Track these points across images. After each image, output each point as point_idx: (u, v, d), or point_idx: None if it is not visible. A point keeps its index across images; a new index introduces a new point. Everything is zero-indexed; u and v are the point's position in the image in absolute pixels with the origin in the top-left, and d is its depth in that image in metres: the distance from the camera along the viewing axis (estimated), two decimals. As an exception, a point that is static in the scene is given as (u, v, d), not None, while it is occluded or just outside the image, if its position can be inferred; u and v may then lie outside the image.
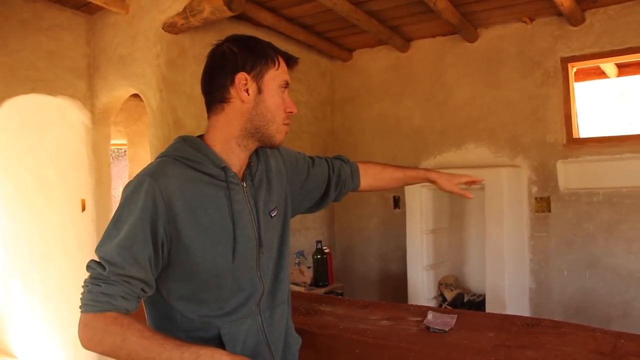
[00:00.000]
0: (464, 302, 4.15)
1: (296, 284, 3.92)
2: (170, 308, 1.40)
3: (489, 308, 3.83)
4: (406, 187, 4.13)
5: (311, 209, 1.83)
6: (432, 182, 2.00)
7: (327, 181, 1.79)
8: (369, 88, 4.84)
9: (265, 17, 3.87)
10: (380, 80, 4.78)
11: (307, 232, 4.62)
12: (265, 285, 1.49)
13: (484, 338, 1.91)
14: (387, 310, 2.27)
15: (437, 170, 2.04)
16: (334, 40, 4.66)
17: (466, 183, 2.05)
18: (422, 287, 4.15)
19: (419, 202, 4.12)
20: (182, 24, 3.45)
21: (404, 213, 4.30)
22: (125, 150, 6.50)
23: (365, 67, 4.86)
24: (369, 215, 4.83)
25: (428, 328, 2.01)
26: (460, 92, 4.37)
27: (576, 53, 3.94)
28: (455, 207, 4.43)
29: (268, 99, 1.43)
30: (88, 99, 4.01)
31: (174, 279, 1.37)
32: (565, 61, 3.97)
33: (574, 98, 4.01)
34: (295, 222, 4.44)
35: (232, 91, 1.41)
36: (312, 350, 2.02)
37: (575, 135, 3.96)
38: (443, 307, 4.16)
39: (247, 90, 1.40)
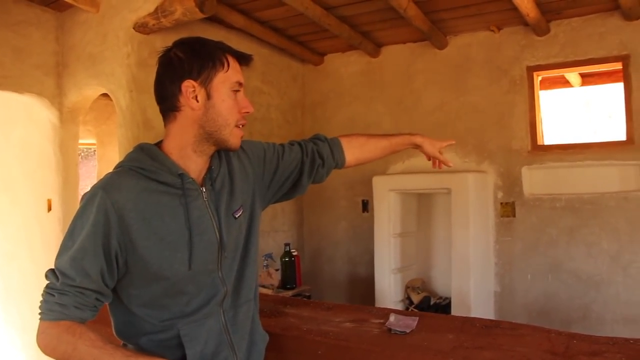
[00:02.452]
0: (430, 305, 4.21)
1: (264, 287, 3.93)
2: (132, 314, 1.40)
3: (455, 311, 3.89)
4: (375, 191, 4.18)
5: (287, 196, 1.79)
6: (417, 145, 1.99)
7: (300, 167, 1.74)
8: (340, 92, 4.88)
9: (237, 19, 3.88)
10: (351, 84, 4.82)
11: (276, 235, 4.63)
12: (228, 285, 1.49)
13: (444, 340, 1.95)
14: (350, 313, 2.30)
15: (421, 134, 2.02)
16: (306, 44, 4.69)
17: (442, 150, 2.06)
18: (389, 290, 4.19)
19: (387, 206, 4.16)
20: (154, 25, 3.44)
21: (372, 217, 4.34)
22: (95, 150, 6.44)
23: (337, 72, 4.90)
24: (338, 218, 4.86)
25: (390, 330, 2.04)
26: (429, 97, 4.44)
27: (541, 62, 4.03)
28: (423, 211, 4.49)
29: (218, 104, 1.40)
30: (56, 97, 3.96)
31: (133, 287, 1.37)
32: (531, 70, 4.07)
33: (539, 106, 4.10)
34: (265, 224, 4.49)
35: (181, 99, 1.39)
36: (275, 352, 2.04)
37: (539, 142, 4.05)
38: (410, 310, 4.21)
39: (195, 98, 1.38)
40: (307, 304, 2.50)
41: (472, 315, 3.83)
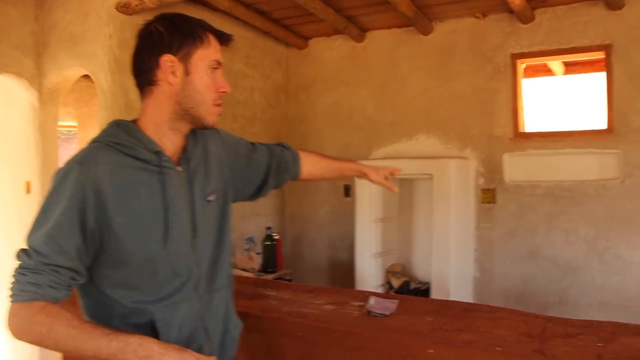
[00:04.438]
0: (410, 289, 4.24)
1: (245, 270, 3.94)
2: (104, 295, 1.36)
3: (434, 296, 3.92)
4: (357, 176, 4.19)
5: (252, 196, 1.80)
6: (364, 175, 2.05)
7: (268, 168, 1.77)
8: (324, 77, 4.87)
9: (222, 1, 3.84)
10: (335, 69, 4.81)
11: (257, 219, 4.63)
12: (202, 270, 1.48)
13: (423, 322, 1.97)
14: (331, 295, 2.32)
15: (368, 165, 2.09)
16: (291, 28, 4.67)
17: (391, 173, 2.11)
18: (369, 274, 4.21)
19: (369, 191, 4.17)
20: (136, 5, 3.40)
21: (353, 201, 4.36)
22: (75, 133, 6.36)
23: (321, 56, 4.89)
24: (320, 203, 4.87)
25: (369, 312, 2.06)
26: (413, 83, 4.44)
27: (525, 50, 4.06)
28: (404, 197, 4.51)
29: (196, 80, 1.39)
30: (36, 78, 3.90)
31: (107, 266, 1.34)
32: (515, 57, 4.09)
33: (521, 94, 4.13)
34: (246, 208, 4.49)
35: (159, 74, 1.37)
36: (255, 334, 2.05)
37: (521, 130, 4.09)
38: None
39: (174, 73, 1.36)
40: (288, 287, 2.51)
41: (452, 299, 3.87)
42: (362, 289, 4.18)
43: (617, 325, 1.93)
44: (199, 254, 1.47)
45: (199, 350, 1.41)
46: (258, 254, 4.13)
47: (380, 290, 4.29)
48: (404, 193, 4.50)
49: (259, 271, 4.05)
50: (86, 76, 3.92)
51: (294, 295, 2.33)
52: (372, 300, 2.17)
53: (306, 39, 4.93)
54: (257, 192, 1.80)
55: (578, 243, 3.90)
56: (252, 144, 1.80)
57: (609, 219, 3.81)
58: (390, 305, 2.15)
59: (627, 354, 1.64)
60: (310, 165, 1.93)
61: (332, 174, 2.06)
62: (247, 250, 4.17)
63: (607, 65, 3.83)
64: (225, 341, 1.59)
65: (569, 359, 1.61)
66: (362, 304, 2.17)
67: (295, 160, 1.87)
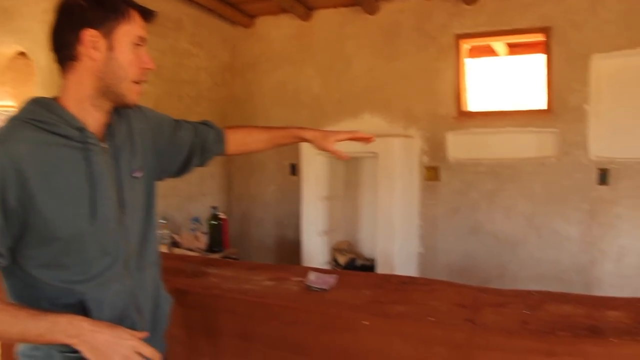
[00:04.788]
0: (356, 266, 4.31)
1: (191, 250, 3.92)
2: (31, 276, 1.33)
3: (380, 271, 3.99)
4: (302, 155, 4.21)
5: (176, 173, 1.77)
6: (307, 140, 1.96)
7: (192, 145, 1.74)
8: (270, 56, 4.84)
9: (164, -23, 3.77)
10: (282, 48, 4.79)
11: (203, 198, 4.60)
12: (131, 246, 1.46)
13: (361, 295, 2.01)
14: (272, 272, 2.34)
15: (312, 128, 1.98)
16: (236, 6, 4.61)
17: (352, 139, 2.02)
18: (315, 252, 4.25)
19: (315, 169, 4.20)
20: (73, -22, 3.29)
21: (300, 180, 4.38)
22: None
23: (267, 35, 4.85)
24: (266, 181, 4.88)
25: (309, 287, 2.09)
26: (358, 62, 4.47)
27: (469, 30, 4.12)
28: (350, 175, 4.56)
29: (120, 56, 1.36)
30: (-33, 54, 3.76)
31: (32, 247, 1.30)
32: (459, 38, 4.15)
33: (465, 73, 4.20)
34: (192, 188, 4.46)
35: (81, 48, 1.33)
36: (195, 311, 2.06)
37: (464, 109, 4.17)
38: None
39: (96, 47, 1.33)
40: (230, 264, 2.52)
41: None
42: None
43: (544, 294, 2.01)
44: (127, 231, 1.45)
45: (132, 327, 1.40)
46: (204, 233, 4.11)
47: (326, 268, 4.34)
48: (350, 171, 4.55)
49: (205, 251, 4.03)
50: (24, 53, 3.79)
51: (235, 273, 2.33)
52: (312, 276, 2.20)
53: (252, 17, 4.88)
54: (181, 170, 1.77)
55: (517, 219, 4.03)
56: (176, 121, 1.76)
57: (545, 194, 3.95)
58: (330, 280, 2.18)
59: (550, 319, 1.72)
60: (236, 141, 1.88)
61: (264, 145, 1.95)
62: (193, 230, 4.15)
63: (546, 47, 3.93)
64: (157, 317, 1.59)
65: (496, 326, 1.68)
66: (302, 279, 2.19)
67: (220, 138, 1.84)
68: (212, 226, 4.10)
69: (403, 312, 1.81)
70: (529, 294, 2.02)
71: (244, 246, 4.95)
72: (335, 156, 2.02)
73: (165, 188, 4.19)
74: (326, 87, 4.59)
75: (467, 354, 1.64)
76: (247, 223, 5.01)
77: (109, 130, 1.44)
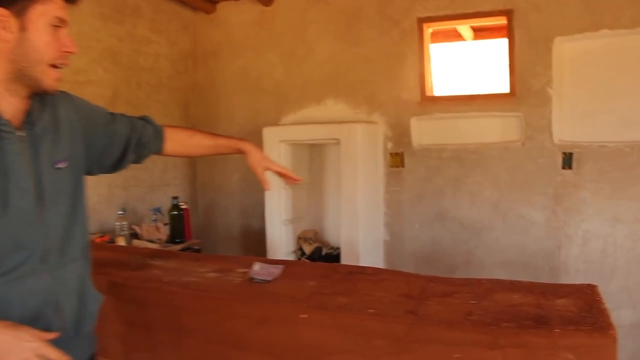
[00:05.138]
0: (322, 255, 4.25)
1: (151, 241, 3.83)
2: None
3: (344, 260, 3.93)
4: (264, 142, 4.12)
5: (110, 169, 1.69)
6: (243, 153, 1.93)
7: (127, 140, 1.67)
8: (232, 42, 4.73)
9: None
10: (244, 34, 4.68)
11: (167, 189, 4.51)
12: (51, 241, 1.38)
13: (304, 287, 1.95)
14: (217, 263, 2.28)
15: (252, 144, 1.94)
16: (197, -9, 4.51)
17: (278, 174, 2.03)
18: (280, 241, 4.18)
19: (277, 157, 4.11)
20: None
21: (264, 168, 4.28)
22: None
23: (229, 20, 4.73)
24: (231, 171, 4.79)
25: (252, 279, 2.03)
26: (321, 48, 4.38)
27: (431, 14, 4.04)
28: (315, 162, 4.48)
29: (34, 37, 1.28)
30: None
31: None
32: (421, 21, 4.07)
33: (429, 57, 4.14)
34: (155, 178, 4.37)
35: None
36: (133, 305, 1.99)
37: (428, 94, 4.10)
38: (301, 260, 4.24)
39: (5, 28, 1.25)
40: (177, 256, 2.46)
41: (361, 264, 3.90)
42: (273, 257, 4.17)
43: (494, 282, 1.97)
44: (47, 224, 1.37)
45: (47, 328, 1.32)
46: (166, 224, 4.03)
47: (292, 257, 4.28)
48: (314, 158, 4.48)
49: (167, 242, 3.95)
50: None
51: (181, 264, 2.27)
52: (257, 267, 2.15)
53: (214, 2, 4.75)
54: (116, 165, 1.70)
55: (483, 204, 3.99)
56: (112, 114, 1.69)
57: (510, 180, 3.91)
58: (275, 270, 2.13)
59: (496, 309, 1.67)
60: (175, 142, 1.83)
61: (204, 150, 1.93)
62: (155, 221, 4.06)
63: (508, 31, 3.87)
64: (82, 316, 1.50)
65: (438, 317, 1.63)
66: (247, 270, 2.14)
67: (158, 136, 1.78)
68: (173, 217, 4.02)
69: (344, 304, 1.76)
70: (479, 282, 1.98)
71: (210, 236, 4.88)
72: (259, 181, 2.00)
73: (126, 178, 4.14)
74: (289, 74, 4.50)
75: (408, 347, 1.59)
76: (212, 213, 4.93)
77: (29, 118, 1.36)
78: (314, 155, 4.45)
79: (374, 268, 2.20)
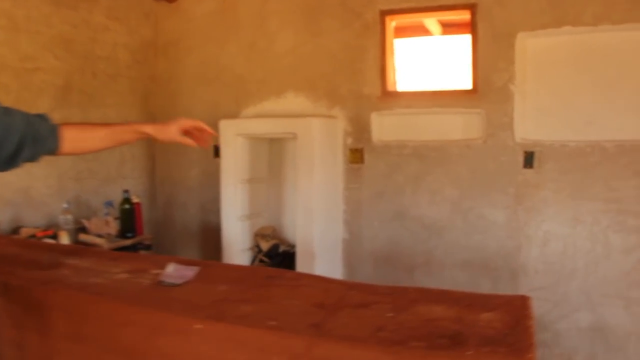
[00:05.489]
0: (279, 252, 4.15)
1: (100, 236, 3.72)
2: None
3: (300, 259, 3.85)
4: (221, 136, 4.01)
5: (2, 166, 1.56)
6: (147, 135, 1.84)
7: (22, 136, 1.55)
8: (194, 32, 4.60)
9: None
10: (205, 24, 4.54)
11: (123, 182, 4.39)
12: None
13: (212, 292, 1.85)
14: (133, 263, 2.18)
15: (152, 124, 1.88)
16: (158, -21, 4.38)
17: (195, 127, 1.91)
18: (236, 238, 4.08)
19: (234, 151, 4.01)
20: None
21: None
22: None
23: (191, 10, 4.60)
24: (190, 165, 4.67)
25: (161, 282, 1.93)
26: (282, 40, 4.26)
27: (394, 7, 3.93)
28: (274, 157, 4.37)
29: None
30: None
31: None
32: (384, 14, 3.95)
33: (391, 51, 4.02)
34: (110, 170, 4.26)
35: None
36: (27, 308, 1.87)
37: (390, 89, 3.99)
38: (258, 257, 4.15)
39: None
40: (94, 254, 2.34)
41: (317, 262, 3.81)
42: (229, 254, 4.08)
43: (421, 291, 1.86)
44: None
45: None
46: (116, 219, 3.92)
47: (248, 254, 4.18)
48: (274, 153, 4.37)
49: (117, 237, 3.85)
50: None
51: (95, 264, 2.16)
52: (170, 268, 2.05)
53: (176, -9, 4.64)
54: (9, 162, 1.56)
55: (443, 203, 3.89)
56: (5, 107, 1.55)
57: (471, 178, 3.81)
58: (188, 273, 2.02)
59: (412, 324, 1.56)
60: (72, 139, 1.70)
61: (102, 143, 1.81)
62: (107, 214, 3.95)
63: (472, 25, 3.76)
64: None
65: (343, 333, 1.51)
66: (161, 272, 2.03)
67: (53, 133, 1.65)
68: (123, 211, 3.91)
69: (246, 314, 1.65)
70: (404, 291, 1.87)
71: (169, 232, 4.78)
72: (186, 144, 1.91)
73: (78, 170, 4.02)
74: (249, 66, 4.38)
75: (306, 366, 1.49)
76: (171, 207, 4.82)
77: None
78: (273, 149, 4.34)
79: (296, 273, 2.10)
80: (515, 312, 1.65)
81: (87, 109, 4.07)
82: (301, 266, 3.83)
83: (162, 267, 2.08)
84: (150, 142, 4.72)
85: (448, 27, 4.76)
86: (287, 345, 1.51)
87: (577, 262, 3.60)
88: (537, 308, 3.71)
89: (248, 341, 1.55)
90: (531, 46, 3.65)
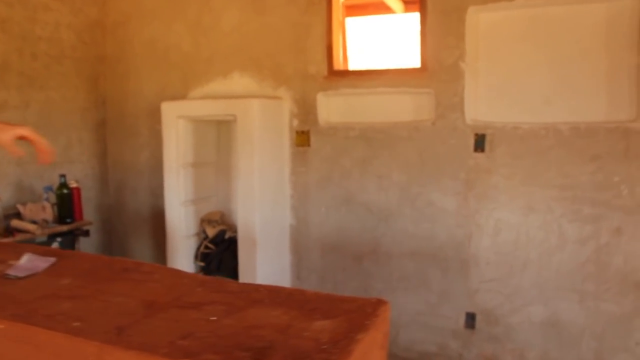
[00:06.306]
0: (225, 239, 4.01)
1: (35, 222, 3.61)
2: None
3: (241, 245, 3.70)
4: (162, 118, 3.87)
5: None
6: None
7: None
8: (142, 11, 4.43)
9: None
10: (153, 3, 4.37)
11: (70, 166, 4.28)
12: None
13: (49, 286, 1.72)
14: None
15: None
16: (105, -45, 4.22)
17: (29, 139, 1.81)
18: (179, 224, 3.95)
19: (175, 134, 3.86)
20: None
21: (162, 145, 4.05)
22: None
23: (140, -13, 4.45)
24: (140, 147, 4.53)
25: (5, 275, 1.80)
26: (227, 17, 4.07)
27: (341, -19, 3.72)
28: (223, 140, 4.20)
29: None
30: None
31: None
32: (330, -11, 3.75)
33: (339, 28, 3.82)
34: (57, 154, 4.12)
35: None
36: None
37: (336, 67, 3.79)
38: (204, 244, 4.01)
39: None
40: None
41: (259, 249, 3.66)
42: (173, 240, 3.95)
43: (271, 290, 1.69)
44: None
45: None
46: (54, 204, 3.81)
47: (193, 240, 4.04)
48: (223, 135, 4.20)
49: (53, 222, 3.74)
50: None
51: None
52: (24, 259, 1.93)
53: (124, -32, 4.47)
54: None
55: (391, 189, 3.69)
56: None
57: (420, 162, 3.60)
58: (40, 264, 1.89)
59: (228, 331, 1.39)
60: None
61: None
62: (47, 199, 3.84)
63: (420, 0, 3.54)
64: None
65: (140, 340, 1.33)
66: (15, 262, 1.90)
67: None
68: (60, 196, 3.79)
69: (59, 312, 1.51)
70: (254, 290, 1.70)
71: (120, 217, 4.67)
72: (13, 154, 1.82)
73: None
74: (196, 45, 4.21)
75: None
76: (122, 192, 4.70)
77: None
78: (222, 132, 4.18)
79: (153, 266, 1.94)
80: (357, 320, 1.46)
81: (26, 91, 3.96)
82: (243, 254, 3.68)
83: (18, 257, 1.96)
84: (100, 125, 4.60)
85: (410, 5, 4.52)
86: (80, 350, 1.35)
87: (530, 253, 3.39)
88: (489, 301, 3.55)
89: (44, 344, 1.41)
90: (483, 21, 3.41)
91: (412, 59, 3.79)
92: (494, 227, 3.46)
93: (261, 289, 1.71)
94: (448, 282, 3.60)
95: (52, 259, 1.93)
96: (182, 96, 4.20)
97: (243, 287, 1.73)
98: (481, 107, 3.45)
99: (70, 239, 3.85)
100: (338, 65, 3.80)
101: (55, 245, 3.74)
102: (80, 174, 4.33)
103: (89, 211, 4.38)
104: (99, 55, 4.54)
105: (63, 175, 3.83)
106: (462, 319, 3.59)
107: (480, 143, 3.47)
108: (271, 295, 1.65)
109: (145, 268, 1.91)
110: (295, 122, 3.89)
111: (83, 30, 4.41)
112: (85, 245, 4.33)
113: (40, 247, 2.17)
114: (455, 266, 3.57)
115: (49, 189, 3.87)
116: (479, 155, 3.46)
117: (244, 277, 3.68)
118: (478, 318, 3.55)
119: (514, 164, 3.38)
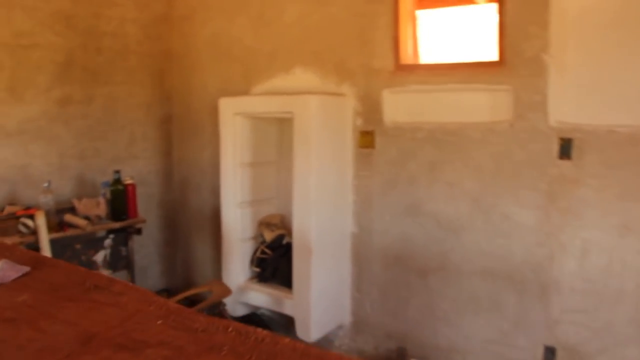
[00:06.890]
0: (282, 244, 3.75)
1: (87, 218, 3.56)
2: None
3: (296, 253, 3.43)
4: (220, 115, 3.70)
5: None
6: None
7: None
8: (206, 5, 4.27)
9: None
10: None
11: (134, 162, 4.23)
12: None
13: (5, 303, 1.54)
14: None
15: None
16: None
17: None
18: (235, 226, 3.75)
19: (233, 132, 3.66)
20: None
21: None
22: None
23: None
24: (204, 145, 4.38)
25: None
26: (290, 8, 3.79)
27: (410, -34, 3.34)
28: (285, 140, 3.93)
29: None
30: None
31: None
32: (398, -26, 3.37)
33: (408, 18, 3.43)
34: (118, 149, 4.08)
35: None
36: None
37: (403, 62, 3.40)
38: (260, 249, 3.78)
39: None
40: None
41: (314, 259, 3.37)
42: (229, 242, 3.77)
43: (240, 332, 1.40)
44: None
45: None
46: (109, 200, 3.74)
47: (250, 244, 3.83)
48: (285, 134, 3.93)
49: (106, 219, 3.67)
50: None
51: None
52: (-1, 266, 1.76)
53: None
54: None
55: (462, 198, 3.26)
56: None
57: (495, 169, 3.14)
58: (9, 274, 1.73)
59: None
60: None
61: None
62: (104, 195, 3.79)
63: (500, -18, 3.08)
64: None
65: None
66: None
67: None
68: (113, 192, 3.71)
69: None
70: (223, 330, 1.41)
71: (184, 214, 4.57)
72: None
73: (82, 148, 3.87)
74: (259, 38, 3.97)
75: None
76: (187, 189, 4.59)
77: None
78: (284, 131, 3.91)
79: (126, 286, 1.70)
80: None
81: (90, 86, 3.94)
82: (297, 262, 3.41)
83: (-2, 264, 1.80)
84: (165, 121, 4.52)
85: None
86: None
87: (626, 283, 2.82)
88: (572, 335, 3.02)
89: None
90: (572, 5, 2.89)
91: (488, 52, 3.32)
92: (581, 249, 2.93)
93: (230, 329, 1.41)
94: (524, 309, 3.12)
95: (26, 269, 1.76)
96: (244, 92, 4.00)
97: (209, 325, 1.44)
98: (568, 106, 2.93)
99: (123, 237, 3.77)
100: (405, 59, 3.41)
101: (108, 242, 3.68)
102: (143, 170, 4.28)
103: (151, 208, 4.32)
104: (164, 50, 4.46)
105: (118, 171, 3.74)
106: (540, 353, 3.09)
107: (566, 149, 2.95)
108: (237, 340, 1.35)
109: (117, 288, 1.68)
110: (359, 121, 3.55)
111: (149, 25, 4.33)
112: (148, 241, 4.27)
113: (27, 251, 2.02)
114: (534, 291, 3.07)
115: (106, 184, 3.81)
116: (565, 163, 2.94)
117: (297, 287, 3.41)
118: (559, 354, 3.03)
119: (608, 174, 2.83)
